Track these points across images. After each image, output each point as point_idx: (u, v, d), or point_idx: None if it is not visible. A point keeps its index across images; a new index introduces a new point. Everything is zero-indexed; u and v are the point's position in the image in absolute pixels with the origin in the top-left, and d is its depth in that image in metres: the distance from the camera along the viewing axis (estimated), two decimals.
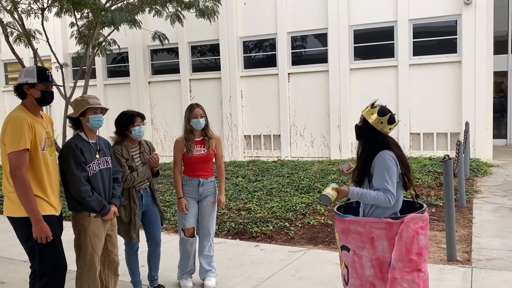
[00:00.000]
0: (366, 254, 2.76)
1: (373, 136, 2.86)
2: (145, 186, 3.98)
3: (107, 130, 12.91)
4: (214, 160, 4.30)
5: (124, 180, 3.78)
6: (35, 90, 3.10)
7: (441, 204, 6.36)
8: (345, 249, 2.88)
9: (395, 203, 2.83)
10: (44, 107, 3.31)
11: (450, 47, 10.60)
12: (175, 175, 4.18)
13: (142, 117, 3.93)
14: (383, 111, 2.85)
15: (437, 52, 10.67)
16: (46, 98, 3.16)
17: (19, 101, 3.19)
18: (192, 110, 4.12)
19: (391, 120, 2.86)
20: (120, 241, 3.84)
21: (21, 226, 3.08)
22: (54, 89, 3.38)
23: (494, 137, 11.27)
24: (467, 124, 9.15)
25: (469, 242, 5.12)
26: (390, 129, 2.86)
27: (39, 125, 3.11)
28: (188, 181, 4.17)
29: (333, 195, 2.82)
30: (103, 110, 3.44)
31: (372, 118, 2.84)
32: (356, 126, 2.98)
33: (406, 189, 2.94)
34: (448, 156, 4.75)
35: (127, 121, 3.84)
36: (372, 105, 2.89)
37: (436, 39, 10.76)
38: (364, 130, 2.89)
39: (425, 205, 2.93)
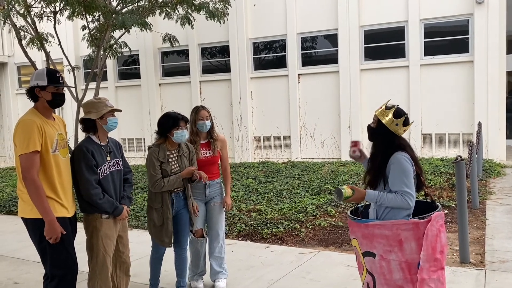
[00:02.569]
0: (394, 257, 2.69)
1: (387, 138, 2.82)
2: (177, 191, 3.92)
3: (118, 133, 13.02)
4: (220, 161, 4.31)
5: (152, 184, 3.78)
6: (46, 93, 3.13)
7: (453, 205, 6.29)
8: (369, 255, 2.79)
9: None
10: (56, 109, 3.34)
11: (462, 46, 10.49)
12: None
13: (186, 121, 3.88)
14: (398, 113, 2.81)
15: (449, 52, 10.56)
16: (57, 100, 3.19)
17: (32, 103, 3.23)
18: (198, 112, 4.13)
19: (406, 122, 2.82)
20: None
21: (34, 227, 3.11)
22: (66, 91, 3.42)
23: (508, 137, 11.10)
24: (479, 124, 9.04)
25: (482, 244, 5.05)
26: (404, 130, 2.83)
27: (50, 127, 3.14)
28: (195, 183, 4.18)
29: (347, 191, 2.75)
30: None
31: (387, 119, 2.79)
32: (369, 127, 2.92)
33: (418, 190, 2.90)
34: (460, 157, 4.70)
35: (172, 124, 3.78)
36: (387, 107, 2.85)
37: (448, 39, 10.65)
38: (378, 132, 2.85)
39: (438, 203, 2.89)
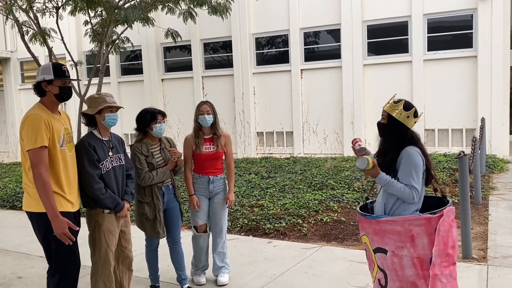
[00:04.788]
0: (406, 253, 2.68)
1: (400, 131, 2.82)
2: (166, 183, 3.98)
3: (121, 128, 13.04)
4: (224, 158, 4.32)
5: (142, 178, 3.80)
6: (53, 87, 3.14)
7: (456, 201, 6.27)
8: (380, 252, 2.78)
9: (418, 199, 2.79)
10: (60, 104, 3.34)
11: (465, 41, 10.44)
12: (185, 173, 4.19)
13: (163, 114, 3.96)
14: (408, 105, 2.82)
15: (452, 47, 10.51)
16: (65, 94, 3.20)
17: (36, 98, 3.23)
18: (200, 107, 4.15)
19: (415, 114, 2.84)
20: (139, 238, 3.88)
21: (38, 222, 3.12)
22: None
23: (511, 133, 11.08)
24: (483, 120, 9.01)
25: (485, 239, 5.05)
26: (414, 122, 2.84)
27: (57, 122, 3.15)
28: (198, 179, 4.19)
29: (370, 164, 2.72)
30: (117, 108, 3.48)
31: (397, 112, 2.80)
32: (380, 124, 2.91)
33: (428, 184, 2.90)
34: (463, 152, 4.69)
35: (149, 118, 3.86)
36: (395, 101, 2.84)
37: (451, 33, 10.60)
38: (391, 126, 2.84)
39: (449, 198, 2.89)
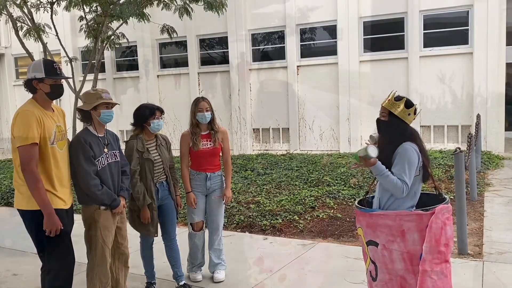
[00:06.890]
0: (396, 247, 2.72)
1: (401, 128, 2.84)
2: (161, 180, 3.95)
3: (116, 124, 12.98)
4: (221, 154, 4.29)
5: (132, 174, 3.75)
6: (44, 85, 3.10)
7: (452, 197, 6.29)
8: (372, 244, 2.83)
9: (413, 196, 2.83)
10: (54, 100, 3.31)
11: (461, 38, 10.46)
12: (182, 170, 4.17)
13: (162, 111, 3.93)
14: (409, 103, 2.84)
15: (448, 44, 10.53)
16: (56, 92, 3.16)
17: (30, 95, 3.19)
18: (198, 104, 4.11)
19: (415, 111, 2.87)
20: (135, 235, 3.86)
21: (30, 220, 3.10)
22: (64, 82, 3.38)
23: (506, 129, 11.11)
24: (478, 116, 9.04)
25: (481, 235, 5.07)
26: (413, 119, 2.87)
27: (49, 119, 3.11)
28: (196, 175, 4.17)
29: (373, 153, 2.75)
30: (113, 105, 3.45)
31: (399, 110, 2.81)
32: (381, 121, 2.91)
33: (425, 181, 2.92)
34: (459, 148, 4.70)
35: (148, 113, 3.83)
36: (395, 98, 2.86)
37: (447, 30, 10.61)
38: (391, 123, 2.85)
39: (447, 196, 2.91)
